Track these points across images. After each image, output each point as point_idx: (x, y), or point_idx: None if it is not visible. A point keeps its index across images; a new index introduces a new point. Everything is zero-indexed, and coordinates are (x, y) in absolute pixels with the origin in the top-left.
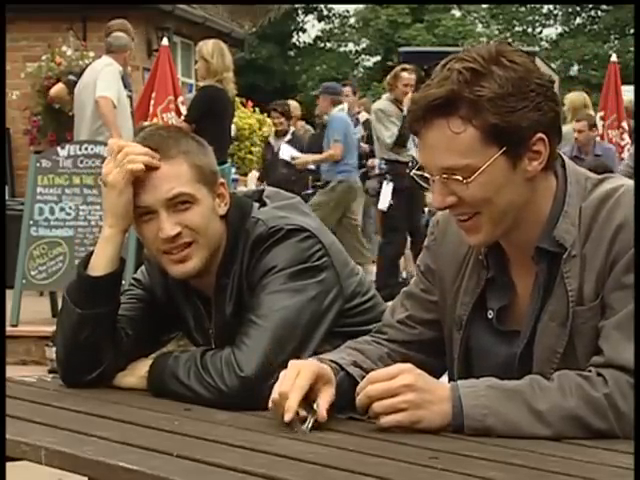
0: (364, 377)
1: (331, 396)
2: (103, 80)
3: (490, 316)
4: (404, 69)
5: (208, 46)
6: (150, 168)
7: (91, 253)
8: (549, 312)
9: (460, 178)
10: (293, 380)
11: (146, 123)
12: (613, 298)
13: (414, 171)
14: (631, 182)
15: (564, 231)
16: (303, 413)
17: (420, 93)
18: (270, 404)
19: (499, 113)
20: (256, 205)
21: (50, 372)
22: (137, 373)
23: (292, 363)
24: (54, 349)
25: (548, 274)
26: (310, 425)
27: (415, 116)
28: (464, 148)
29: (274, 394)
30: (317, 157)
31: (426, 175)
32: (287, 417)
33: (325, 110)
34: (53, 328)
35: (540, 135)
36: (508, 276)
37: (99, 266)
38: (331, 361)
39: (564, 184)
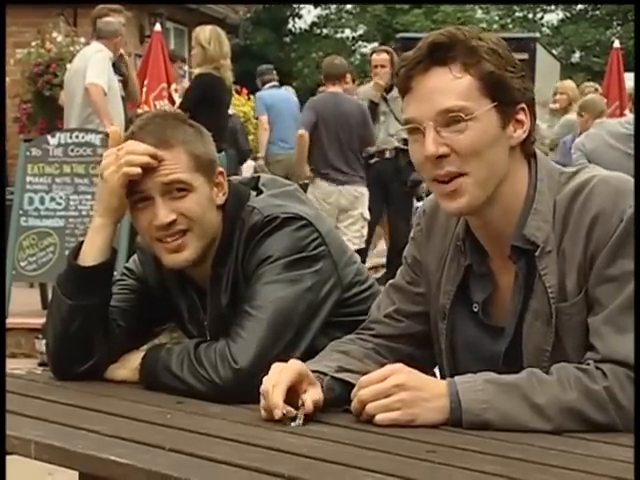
0: (354, 379)
1: (318, 394)
2: (93, 67)
3: (475, 309)
4: (373, 51)
5: (205, 32)
6: (147, 168)
7: (81, 243)
8: (532, 311)
9: (462, 115)
10: (275, 379)
11: (139, 111)
12: (599, 292)
13: (401, 128)
14: (606, 172)
15: (535, 228)
16: (290, 409)
17: (418, 44)
18: (262, 412)
19: (496, 64)
20: (253, 193)
21: (40, 365)
22: (129, 365)
23: (274, 365)
24: (44, 342)
25: (527, 271)
26: (300, 422)
27: (413, 64)
28: (463, 92)
29: (261, 400)
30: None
31: (416, 126)
32: (276, 414)
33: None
34: (43, 320)
35: (523, 106)
36: (487, 266)
37: (89, 256)
38: (315, 371)
39: (535, 181)
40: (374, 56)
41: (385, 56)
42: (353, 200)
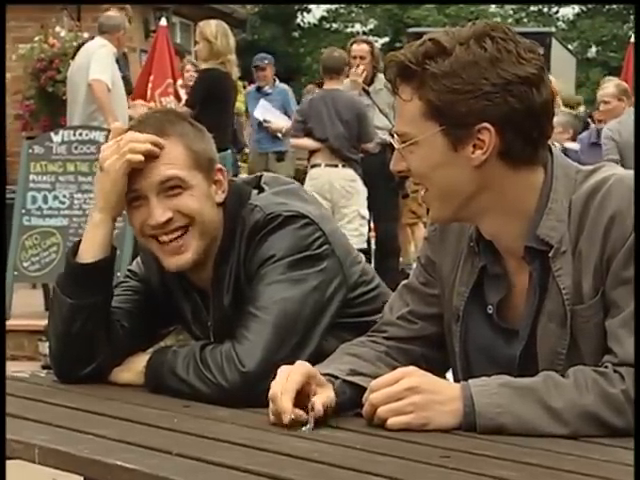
0: (366, 382)
1: (329, 396)
2: (97, 62)
3: (490, 311)
4: (354, 42)
5: (211, 27)
6: (150, 156)
7: (80, 241)
8: (547, 313)
9: (399, 145)
10: (283, 383)
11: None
12: (616, 295)
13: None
14: (623, 171)
15: (548, 228)
16: (300, 413)
17: (389, 56)
18: (271, 416)
19: (437, 91)
20: (254, 192)
21: (44, 368)
22: (134, 368)
23: (281, 368)
24: (47, 344)
25: (542, 272)
26: (311, 426)
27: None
28: (408, 116)
29: (270, 405)
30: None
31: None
32: (285, 419)
33: (269, 79)
34: (46, 322)
35: (486, 125)
36: (502, 267)
37: (88, 253)
38: (326, 374)
39: (550, 179)
40: (354, 46)
41: (365, 47)
42: (346, 194)
